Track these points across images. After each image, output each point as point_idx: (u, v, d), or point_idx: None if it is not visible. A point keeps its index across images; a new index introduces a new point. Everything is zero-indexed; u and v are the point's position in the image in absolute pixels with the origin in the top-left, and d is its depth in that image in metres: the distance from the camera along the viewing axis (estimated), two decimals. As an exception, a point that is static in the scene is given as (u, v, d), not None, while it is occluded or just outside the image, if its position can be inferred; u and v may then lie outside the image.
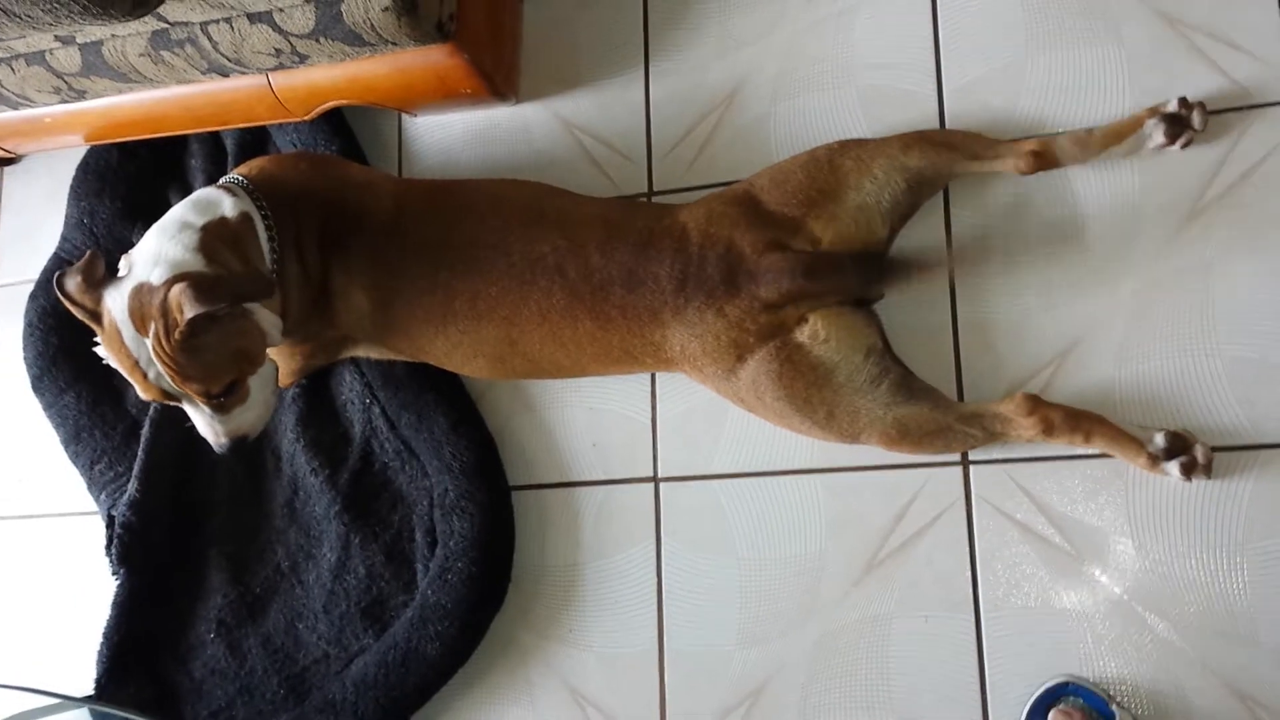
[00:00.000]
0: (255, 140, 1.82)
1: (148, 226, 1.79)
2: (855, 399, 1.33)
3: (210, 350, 1.30)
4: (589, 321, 1.38)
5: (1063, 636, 1.33)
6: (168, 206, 1.81)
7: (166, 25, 1.51)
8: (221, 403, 1.35)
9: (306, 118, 1.70)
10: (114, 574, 1.68)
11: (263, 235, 1.39)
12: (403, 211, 1.45)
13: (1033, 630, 1.34)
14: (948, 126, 1.47)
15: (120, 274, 1.34)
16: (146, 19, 1.50)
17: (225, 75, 1.62)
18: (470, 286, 1.41)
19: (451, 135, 1.75)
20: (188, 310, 1.25)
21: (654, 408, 1.55)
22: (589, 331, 1.39)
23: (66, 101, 1.72)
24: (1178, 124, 1.33)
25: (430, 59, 1.58)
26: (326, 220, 1.44)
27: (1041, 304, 1.39)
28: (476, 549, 1.52)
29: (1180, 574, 1.30)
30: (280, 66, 1.59)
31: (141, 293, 1.29)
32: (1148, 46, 1.40)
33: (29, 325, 1.86)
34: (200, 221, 1.35)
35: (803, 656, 1.42)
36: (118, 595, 1.68)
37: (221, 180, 1.45)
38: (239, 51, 1.53)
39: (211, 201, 1.38)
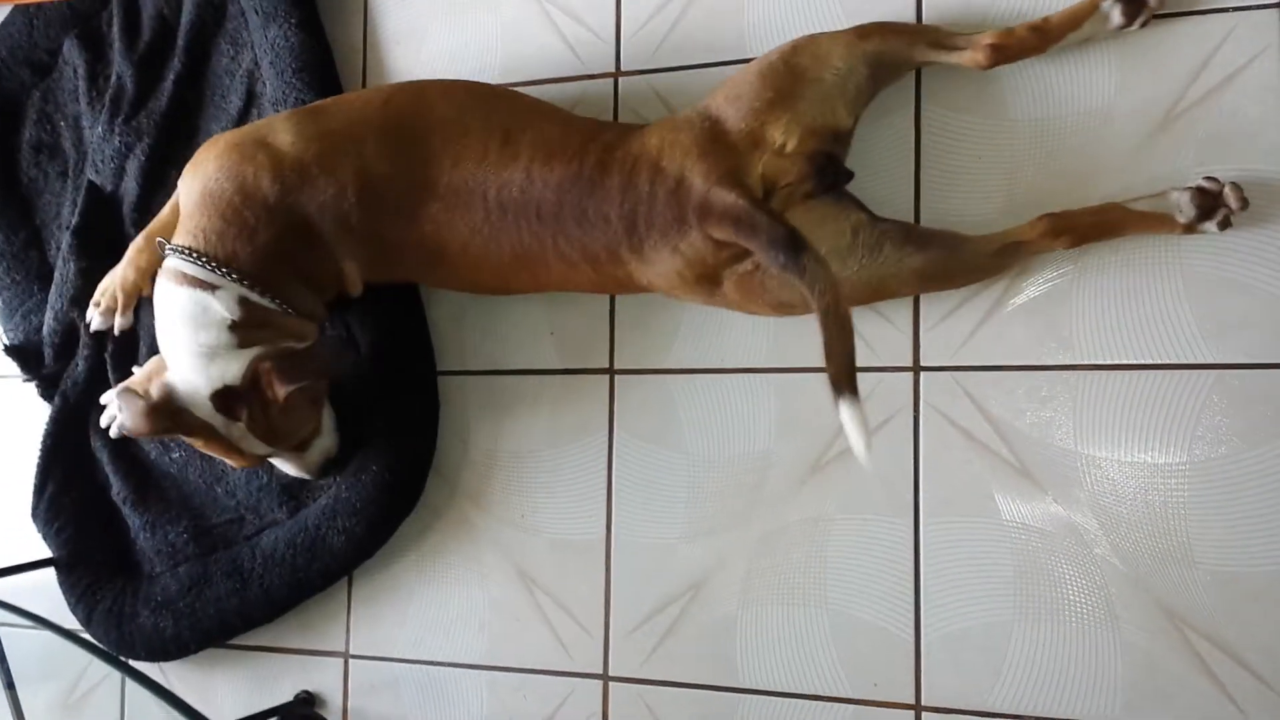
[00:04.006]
0: (215, 9, 1.76)
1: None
2: (863, 273, 1.30)
3: (297, 408, 1.42)
4: (558, 264, 1.37)
5: (1000, 546, 1.33)
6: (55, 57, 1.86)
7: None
8: (306, 443, 1.47)
9: (267, -20, 1.64)
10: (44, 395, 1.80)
11: (263, 300, 1.38)
12: (365, 174, 1.37)
13: (970, 538, 1.34)
14: (924, 19, 1.39)
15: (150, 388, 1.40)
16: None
17: (181, -67, 1.55)
18: (455, 237, 1.38)
19: (419, 2, 1.68)
20: (280, 390, 1.35)
21: (612, 300, 1.52)
22: (561, 270, 1.38)
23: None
24: (1134, 3, 1.27)
25: (391, -79, 1.52)
26: (300, 232, 1.39)
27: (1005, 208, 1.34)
28: (393, 452, 1.53)
29: (1120, 491, 1.29)
30: (235, -74, 1.53)
31: (226, 395, 1.36)
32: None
33: None
34: (216, 335, 1.36)
35: (744, 552, 1.43)
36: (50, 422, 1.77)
37: (187, 268, 1.37)
38: (189, -90, 1.46)
39: (209, 311, 1.36)
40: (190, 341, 1.37)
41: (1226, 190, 1.24)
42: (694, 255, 1.28)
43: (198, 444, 1.42)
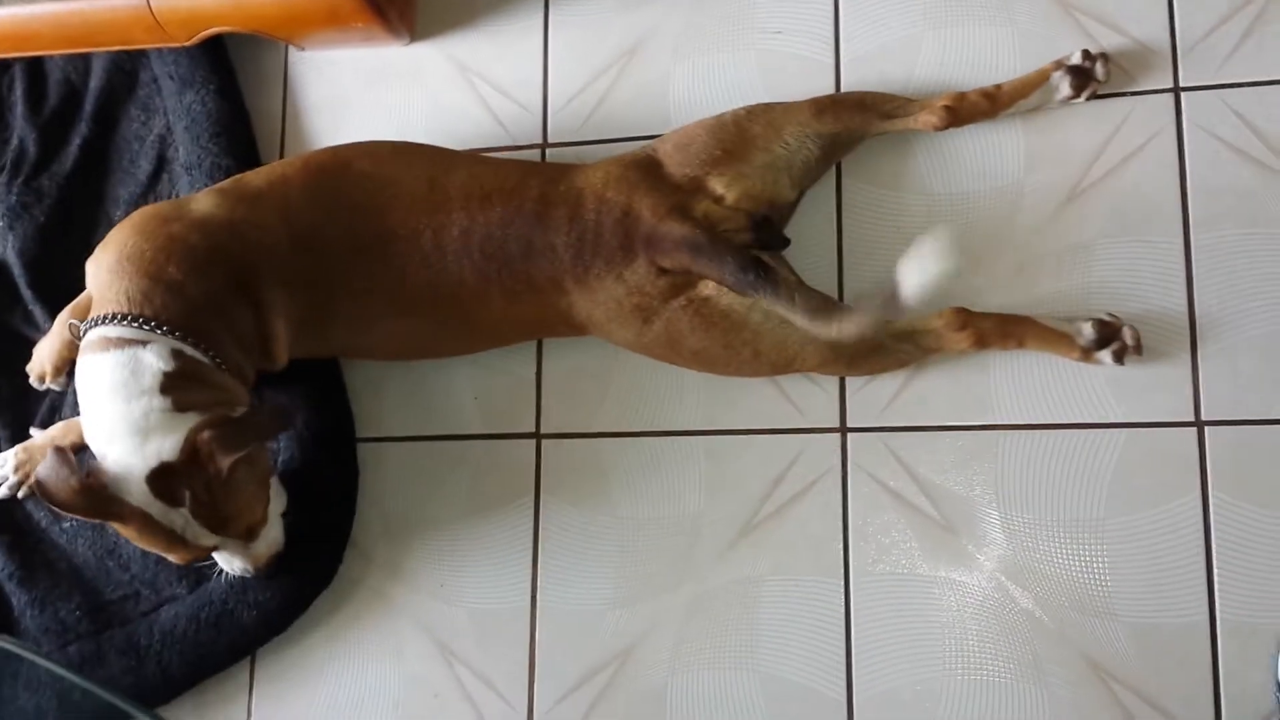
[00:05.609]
0: (126, 76, 1.74)
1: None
2: (779, 331, 1.31)
3: (243, 486, 1.29)
4: (500, 299, 1.36)
5: (928, 604, 1.35)
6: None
7: (35, -67, 1.43)
8: (253, 532, 1.33)
9: (187, 43, 1.62)
10: None
11: (196, 353, 1.28)
12: (294, 225, 1.34)
13: (899, 597, 1.36)
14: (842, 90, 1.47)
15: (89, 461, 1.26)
16: (13, -75, 1.41)
17: (100, -8, 1.54)
18: (389, 286, 1.35)
19: (341, 72, 1.69)
20: (223, 461, 1.23)
21: (539, 363, 1.52)
22: (501, 308, 1.37)
23: (-75, 12, 1.62)
24: (1082, 76, 1.36)
25: (321, -11, 1.53)
26: (230, 286, 1.32)
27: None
28: (309, 524, 1.47)
29: (1043, 547, 1.33)
30: (159, -14, 1.52)
31: (164, 475, 1.23)
32: (1038, 26, 1.42)
33: None
34: (149, 400, 1.24)
35: (674, 617, 1.42)
36: None
37: (111, 332, 1.27)
38: (114, -33, 1.45)
39: (140, 367, 1.25)
40: (122, 414, 1.24)
41: (1125, 329, 1.31)
42: (635, 283, 1.30)
43: (131, 535, 1.27)
